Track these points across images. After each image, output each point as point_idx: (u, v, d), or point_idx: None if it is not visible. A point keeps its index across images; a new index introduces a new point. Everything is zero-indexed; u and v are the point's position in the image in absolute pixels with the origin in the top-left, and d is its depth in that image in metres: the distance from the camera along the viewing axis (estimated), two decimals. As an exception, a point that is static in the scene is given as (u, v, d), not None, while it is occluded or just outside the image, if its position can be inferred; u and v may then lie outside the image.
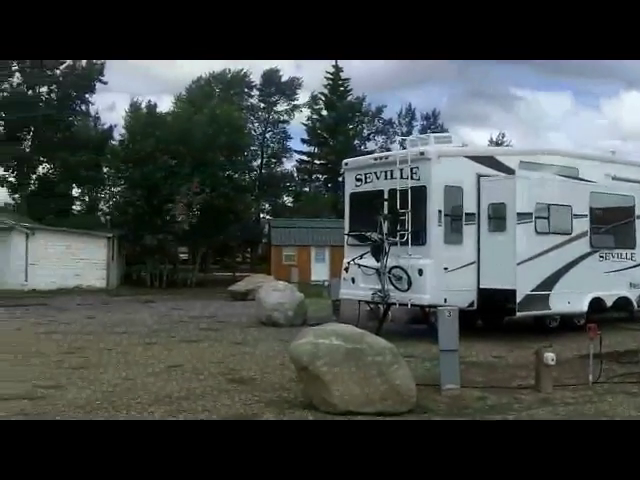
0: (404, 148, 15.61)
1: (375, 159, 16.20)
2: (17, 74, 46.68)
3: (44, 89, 47.29)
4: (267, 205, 63.81)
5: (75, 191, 48.76)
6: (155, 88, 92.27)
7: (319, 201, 56.71)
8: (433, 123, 67.15)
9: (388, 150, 57.72)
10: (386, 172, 14.83)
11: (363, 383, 7.81)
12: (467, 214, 14.40)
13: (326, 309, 18.84)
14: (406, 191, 14.07)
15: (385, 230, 14.28)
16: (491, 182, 14.50)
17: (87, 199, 49.35)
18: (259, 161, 62.68)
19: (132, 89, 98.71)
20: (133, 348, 13.20)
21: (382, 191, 14.88)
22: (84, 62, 46.86)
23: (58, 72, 46.93)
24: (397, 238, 14.13)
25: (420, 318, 16.00)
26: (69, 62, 46.57)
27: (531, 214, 14.23)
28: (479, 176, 14.55)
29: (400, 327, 16.22)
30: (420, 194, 14.02)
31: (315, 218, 46.54)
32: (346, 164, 16.53)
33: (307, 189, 66.69)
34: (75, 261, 32.62)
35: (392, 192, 14.50)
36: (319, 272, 40.63)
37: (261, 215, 61.04)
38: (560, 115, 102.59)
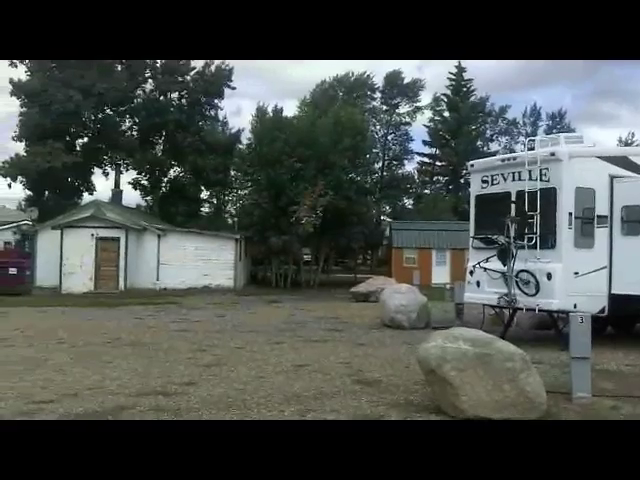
0: (532, 149, 15.23)
1: (502, 160, 15.83)
2: (150, 81, 48.90)
3: (175, 95, 49.31)
4: (387, 207, 63.79)
5: (204, 194, 50.62)
6: (279, 92, 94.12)
7: (440, 203, 56.15)
8: (559, 123, 65.29)
9: (512, 151, 56.60)
10: (514, 173, 14.51)
11: (492, 389, 7.71)
12: (599, 217, 13.87)
13: (449, 312, 18.68)
14: (535, 193, 13.70)
15: (512, 233, 13.97)
16: (625, 183, 13.92)
17: (215, 201, 51.04)
18: (380, 163, 62.74)
19: (257, 93, 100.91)
20: (261, 347, 13.56)
21: (509, 193, 14.56)
22: (213, 67, 48.52)
23: (188, 78, 48.74)
24: (525, 241, 13.78)
25: (546, 323, 15.58)
26: (199, 68, 48.38)
27: None
28: (612, 177, 14.00)
29: (525, 332, 15.87)
30: (550, 196, 13.62)
31: (436, 220, 46.12)
32: (472, 165, 16.29)
33: (427, 191, 66.21)
34: (204, 261, 33.75)
35: (520, 194, 14.16)
36: (440, 275, 40.26)
37: (381, 217, 61.07)
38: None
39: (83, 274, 31.55)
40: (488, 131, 68.51)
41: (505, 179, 14.78)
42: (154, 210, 47.38)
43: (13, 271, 30.30)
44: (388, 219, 59.38)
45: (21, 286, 29.84)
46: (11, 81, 43.86)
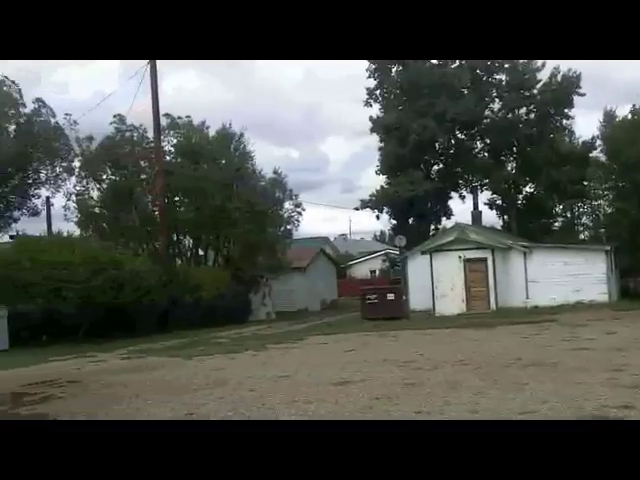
0: None
1: None
2: (496, 100, 49.25)
3: (523, 110, 49.01)
4: None
5: (558, 207, 49.54)
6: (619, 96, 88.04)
7: None
8: None
9: None
10: None
11: None
12: None
13: None
14: None
15: None
16: None
17: (569, 214, 49.64)
18: None
19: (600, 98, 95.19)
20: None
21: None
22: (559, 77, 47.30)
23: (535, 91, 48.07)
24: None
25: None
26: (545, 80, 47.50)
27: None
28: None
29: None
30: None
31: None
32: None
33: None
34: (573, 276, 32.50)
35: None
36: None
37: None
38: None
39: (454, 296, 32.37)
40: None
41: None
42: (512, 228, 47.24)
43: (391, 297, 32.30)
44: None
45: (398, 310, 31.64)
46: (370, 118, 47.23)
